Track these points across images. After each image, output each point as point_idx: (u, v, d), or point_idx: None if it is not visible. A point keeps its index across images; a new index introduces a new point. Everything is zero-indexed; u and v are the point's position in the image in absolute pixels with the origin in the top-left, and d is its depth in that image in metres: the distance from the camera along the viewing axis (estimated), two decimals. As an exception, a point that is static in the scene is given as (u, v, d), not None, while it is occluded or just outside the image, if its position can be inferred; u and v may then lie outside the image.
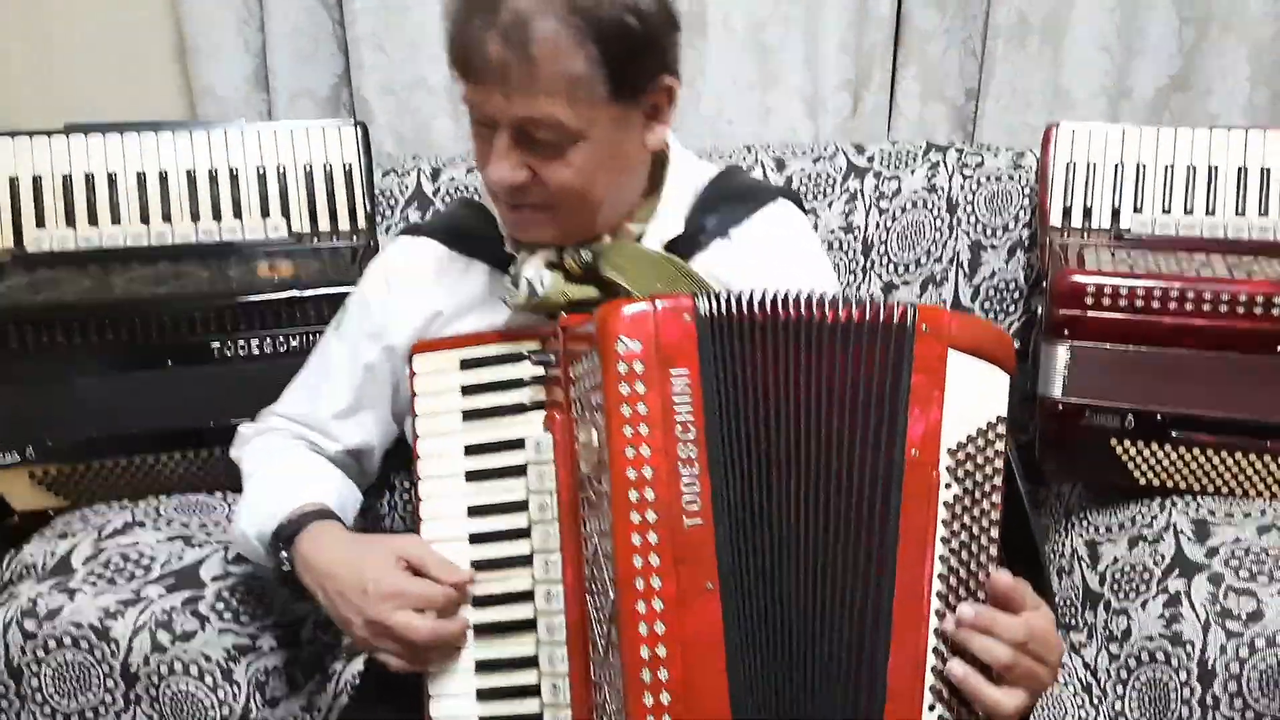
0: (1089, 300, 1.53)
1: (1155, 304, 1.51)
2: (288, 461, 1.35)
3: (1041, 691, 1.02)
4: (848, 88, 2.03)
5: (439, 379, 1.17)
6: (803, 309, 1.01)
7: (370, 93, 2.00)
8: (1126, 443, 1.56)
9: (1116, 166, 1.74)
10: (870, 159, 1.89)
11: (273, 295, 1.56)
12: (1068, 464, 1.63)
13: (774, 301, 1.01)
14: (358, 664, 1.53)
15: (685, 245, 1.25)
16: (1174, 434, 1.55)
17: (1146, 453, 1.56)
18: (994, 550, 1.01)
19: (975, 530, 1.00)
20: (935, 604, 0.99)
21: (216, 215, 1.72)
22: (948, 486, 1.00)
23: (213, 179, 1.73)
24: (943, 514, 0.99)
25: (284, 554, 1.21)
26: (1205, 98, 2.03)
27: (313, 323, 1.56)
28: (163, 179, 1.71)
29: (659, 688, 0.96)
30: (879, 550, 0.99)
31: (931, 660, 0.99)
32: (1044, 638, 1.00)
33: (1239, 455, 1.53)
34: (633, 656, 0.96)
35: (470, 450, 1.15)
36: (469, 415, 1.16)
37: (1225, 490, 1.56)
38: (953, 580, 1.00)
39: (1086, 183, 1.74)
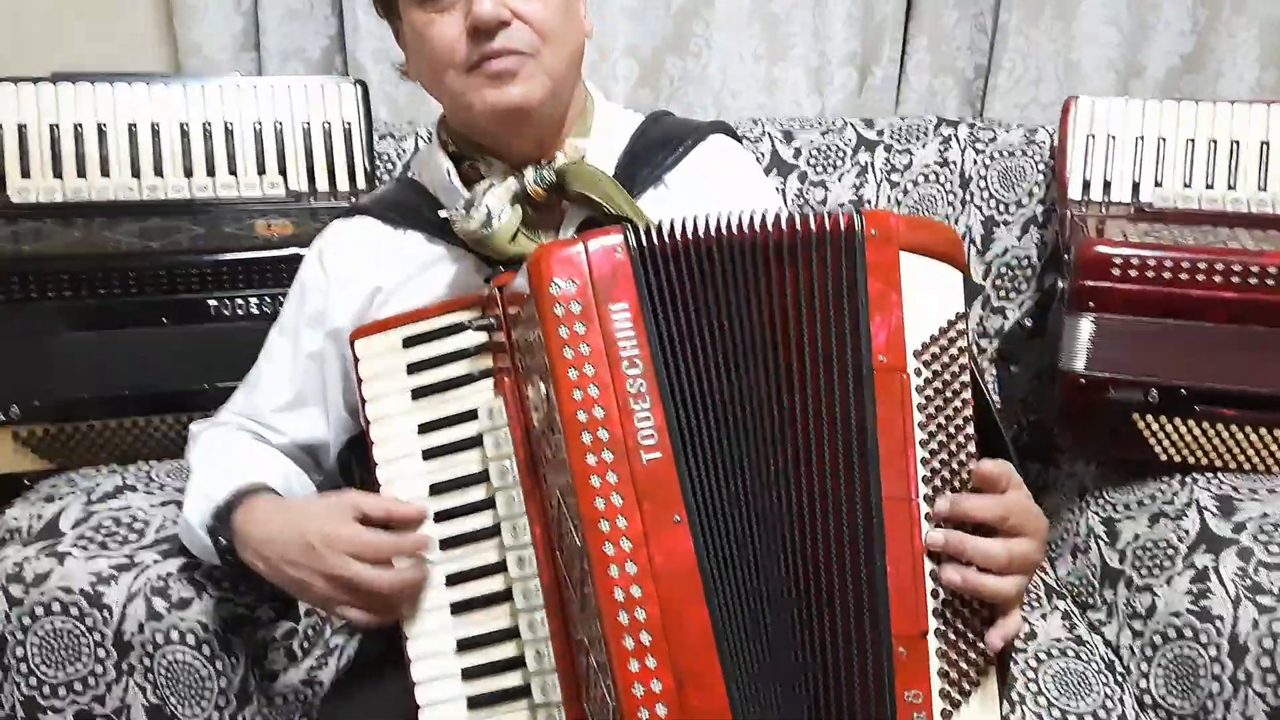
0: (1115, 271, 1.50)
1: (1183, 275, 1.48)
2: (230, 451, 1.28)
3: (1035, 566, 1.01)
4: (853, 62, 1.99)
5: (383, 360, 1.14)
6: (746, 229, 0.99)
7: (365, 56, 1.94)
8: (1149, 418, 1.53)
9: (1137, 140, 1.71)
10: (880, 132, 1.86)
11: (273, 253, 1.50)
12: (1088, 440, 1.60)
13: (711, 226, 0.99)
14: (359, 639, 1.47)
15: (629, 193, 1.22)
16: (1197, 408, 1.51)
17: (1170, 428, 1.53)
18: (972, 445, 0.99)
19: (951, 428, 0.99)
20: (924, 507, 0.96)
21: (210, 171, 1.65)
22: (919, 389, 0.98)
23: (207, 134, 1.66)
24: (918, 416, 0.97)
25: (221, 538, 1.16)
26: (1215, 79, 2.02)
27: (313, 282, 1.50)
28: (155, 132, 1.64)
29: (638, 628, 0.92)
30: (860, 458, 0.96)
31: (929, 565, 0.96)
32: (1021, 509, 0.99)
33: (1263, 431, 1.51)
34: (608, 600, 0.93)
35: (424, 428, 1.12)
36: (418, 393, 1.12)
37: (1247, 466, 1.53)
38: (938, 481, 0.98)
39: (1106, 155, 1.72)
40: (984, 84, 2.02)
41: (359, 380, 1.14)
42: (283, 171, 1.68)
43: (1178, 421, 1.53)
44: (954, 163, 1.83)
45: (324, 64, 1.98)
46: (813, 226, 0.99)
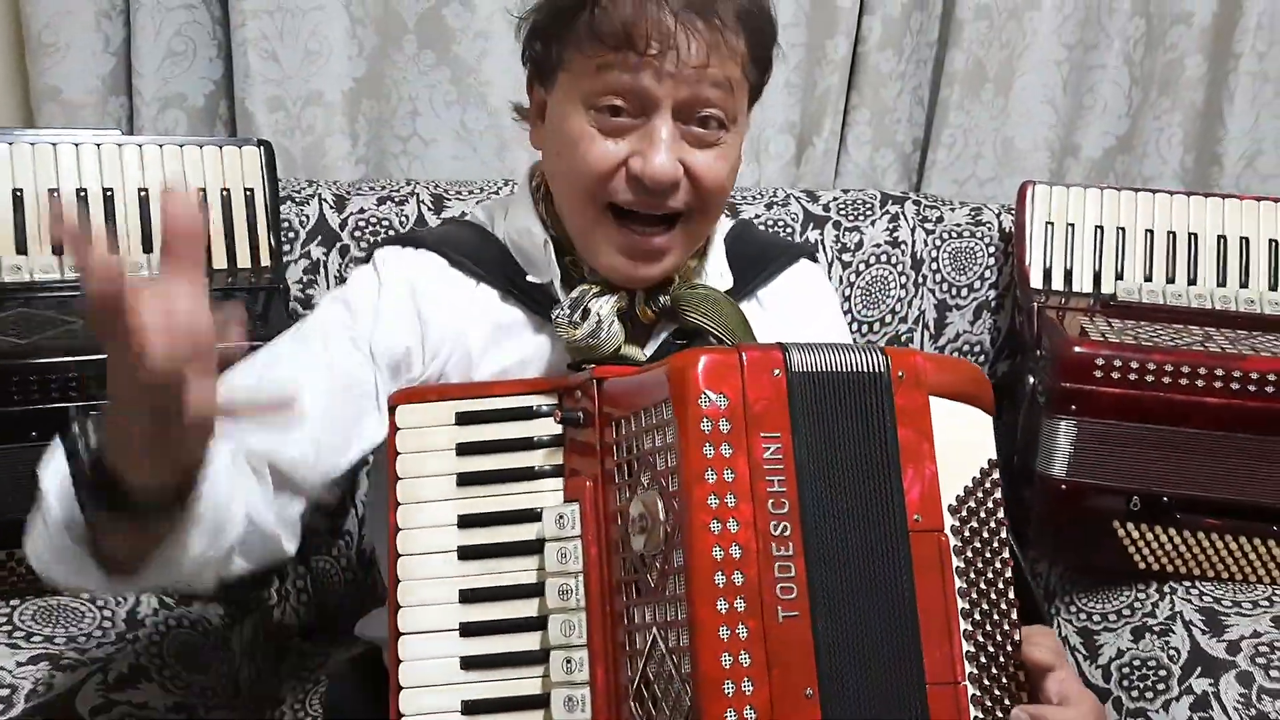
0: (1097, 374, 1.43)
1: (1166, 379, 1.42)
2: None
3: None
4: (791, 130, 1.89)
5: (429, 435, 0.99)
6: (877, 360, 0.90)
7: (255, 105, 1.71)
8: (1130, 525, 1.47)
9: (1096, 229, 1.66)
10: (826, 207, 1.75)
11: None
12: (1064, 545, 1.52)
13: (849, 351, 0.91)
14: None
15: None
16: (1179, 517, 1.46)
17: (1150, 536, 1.47)
18: (1014, 613, 0.92)
19: (993, 594, 0.91)
20: (971, 689, 0.88)
21: (85, 246, 1.40)
22: (957, 551, 0.90)
23: (81, 200, 1.40)
24: (959, 583, 0.89)
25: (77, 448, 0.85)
26: (1141, 160, 2.02)
27: (218, 385, 1.27)
28: (16, 199, 1.38)
29: None
30: (899, 638, 0.87)
31: None
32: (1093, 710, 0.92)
33: (1243, 540, 1.46)
34: None
35: (466, 522, 0.97)
36: (466, 479, 0.98)
37: (1225, 575, 1.48)
38: (983, 658, 0.89)
39: (1066, 244, 1.66)
40: (922, 158, 1.95)
41: (393, 454, 0.99)
42: (172, 247, 1.44)
43: (1159, 530, 1.47)
44: (904, 243, 1.74)
45: (207, 111, 1.75)
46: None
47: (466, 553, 0.97)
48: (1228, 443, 1.43)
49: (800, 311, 1.22)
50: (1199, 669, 1.36)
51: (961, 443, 0.92)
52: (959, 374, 0.95)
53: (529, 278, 1.10)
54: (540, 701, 0.93)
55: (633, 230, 1.04)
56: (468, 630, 0.95)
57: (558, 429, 0.97)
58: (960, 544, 0.90)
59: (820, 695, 0.82)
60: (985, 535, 0.91)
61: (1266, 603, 1.44)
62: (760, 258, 1.21)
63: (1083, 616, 1.53)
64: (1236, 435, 1.43)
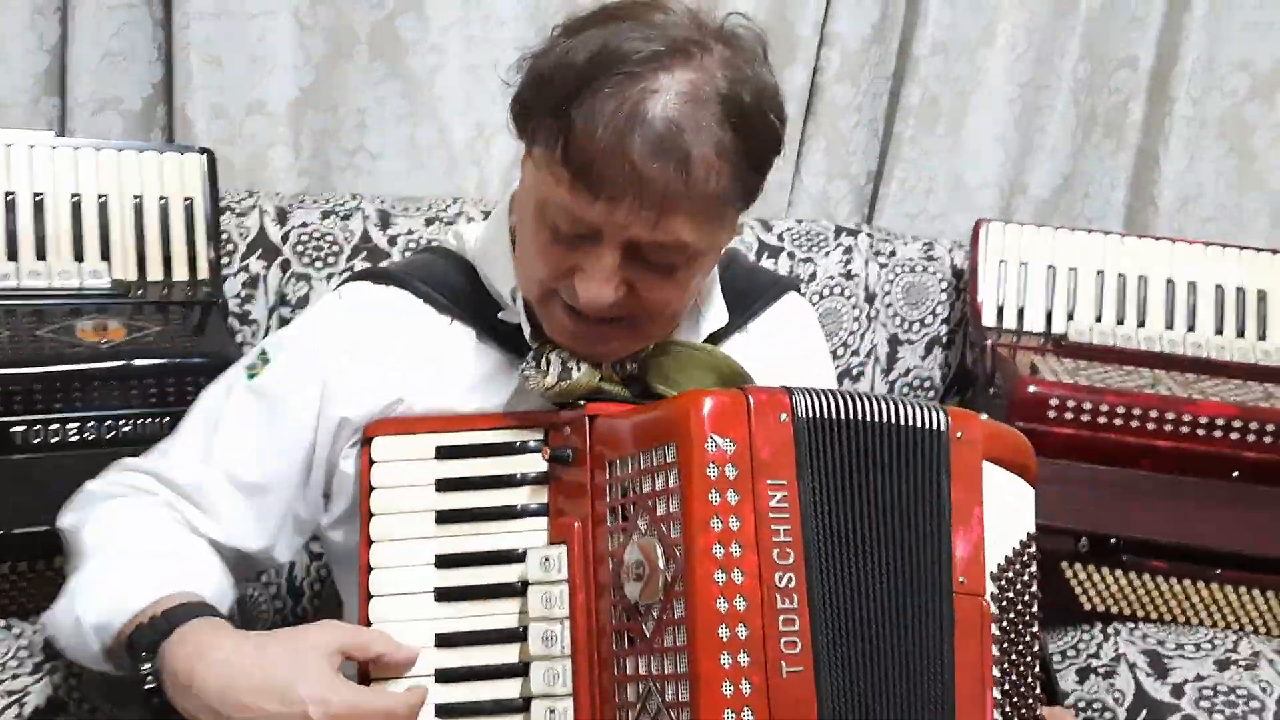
0: (1050, 414, 1.44)
1: (1118, 421, 1.44)
2: (151, 533, 1.00)
3: None
4: (744, 158, 1.88)
5: (406, 469, 0.97)
6: (883, 409, 0.89)
7: (196, 112, 1.66)
8: (1078, 566, 1.48)
9: (1049, 268, 1.68)
10: (780, 237, 1.74)
11: (101, 365, 1.21)
12: (1011, 587, 1.52)
13: (864, 402, 0.89)
14: None
15: (716, 339, 1.10)
16: (1126, 559, 1.48)
17: (1097, 578, 1.48)
18: (1039, 691, 0.93)
19: (1022, 666, 0.91)
20: None
21: (12, 255, 1.34)
22: (995, 619, 0.89)
23: (9, 206, 1.34)
24: (994, 650, 0.89)
25: (146, 666, 0.89)
26: (1083, 199, 2.04)
27: (151, 403, 1.22)
28: (-60, 202, 1.31)
29: None
30: (936, 697, 0.86)
31: None
32: None
33: (1187, 583, 1.48)
34: None
35: (445, 561, 0.95)
36: (445, 517, 0.96)
37: (1169, 618, 1.50)
38: None
39: (1019, 283, 1.67)
40: (875, 190, 1.96)
41: (367, 489, 0.96)
42: (106, 257, 1.38)
43: (1105, 571, 1.49)
44: (858, 275, 1.74)
45: (144, 116, 1.68)
46: (897, 417, 0.89)
47: (444, 594, 0.94)
48: (1176, 486, 1.46)
49: (789, 345, 1.19)
50: (1144, 711, 1.37)
51: (1007, 511, 0.92)
52: (1010, 442, 0.96)
53: (500, 315, 1.06)
54: None
55: (579, 322, 0.97)
56: (444, 676, 0.92)
57: (543, 466, 0.95)
58: (998, 612, 0.89)
59: None
60: (1020, 607, 0.91)
61: (1209, 645, 1.45)
62: (749, 289, 1.18)
63: (1028, 656, 1.54)
64: (1185, 478, 1.46)
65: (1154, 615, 1.50)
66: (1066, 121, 1.96)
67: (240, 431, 1.02)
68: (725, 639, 0.80)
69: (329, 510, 1.06)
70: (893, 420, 0.89)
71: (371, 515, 0.96)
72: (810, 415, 0.86)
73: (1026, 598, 0.93)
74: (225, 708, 0.86)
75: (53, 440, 1.19)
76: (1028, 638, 0.91)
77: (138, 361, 1.22)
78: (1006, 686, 0.90)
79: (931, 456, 0.89)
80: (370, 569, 0.95)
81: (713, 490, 0.82)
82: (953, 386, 1.76)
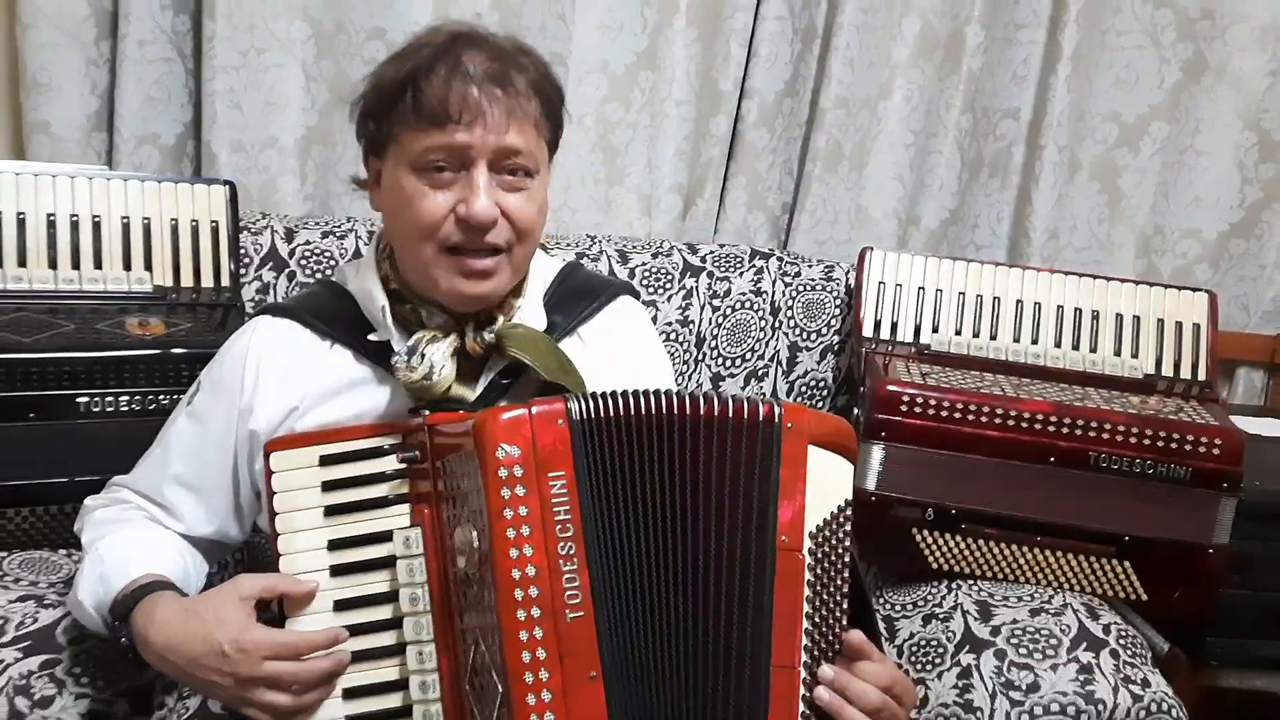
0: (903, 407, 1.76)
1: (957, 415, 1.75)
2: (126, 532, 1.32)
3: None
4: (679, 191, 2.21)
5: (297, 476, 1.19)
6: (678, 408, 1.10)
7: (220, 147, 1.98)
8: (925, 532, 1.79)
9: (919, 290, 2.00)
10: (703, 259, 2.07)
11: (145, 352, 1.54)
12: (874, 549, 1.84)
13: (644, 400, 1.09)
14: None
15: (556, 337, 1.34)
16: (964, 526, 1.78)
17: (941, 542, 1.79)
18: (845, 618, 1.14)
19: (831, 603, 1.13)
20: (803, 674, 1.12)
21: (76, 264, 1.67)
22: (810, 568, 1.12)
23: (73, 227, 1.68)
24: (807, 591, 1.11)
25: (123, 635, 1.19)
26: (973, 230, 2.35)
27: (184, 382, 1.54)
28: (20, 222, 1.65)
29: None
30: (754, 627, 1.09)
31: None
32: (904, 683, 1.16)
33: (1014, 547, 1.78)
34: None
35: (335, 545, 1.17)
36: (332, 510, 1.18)
37: (1001, 576, 1.80)
38: (815, 651, 1.13)
39: (894, 302, 1.99)
40: (789, 220, 2.27)
41: (270, 493, 1.19)
42: (148, 267, 1.71)
43: (948, 537, 1.79)
44: (766, 292, 2.06)
45: (177, 150, 2.01)
46: (733, 412, 1.10)
47: (337, 570, 1.16)
48: (1004, 468, 1.76)
49: (620, 345, 1.39)
50: (967, 646, 1.68)
51: (829, 483, 1.13)
52: (834, 429, 1.16)
53: (370, 336, 1.28)
54: (401, 685, 1.14)
55: (464, 258, 1.22)
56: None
57: (402, 464, 1.16)
58: (813, 563, 1.11)
59: (603, 676, 1.03)
60: (833, 558, 1.13)
61: (1029, 598, 1.75)
62: (583, 294, 1.40)
63: (888, 606, 1.85)
64: (1011, 462, 1.76)
65: (988, 574, 1.80)
66: (952, 164, 2.28)
67: (182, 446, 1.32)
68: (520, 599, 1.02)
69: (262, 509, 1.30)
70: (713, 414, 1.09)
71: (275, 514, 1.18)
72: (585, 417, 1.07)
73: (840, 550, 1.13)
74: (170, 655, 1.14)
75: (108, 410, 1.52)
76: (839, 580, 1.12)
77: (174, 350, 1.55)
78: (816, 619, 1.10)
79: (768, 442, 1.09)
80: (280, 555, 1.17)
81: (504, 487, 1.03)
82: (842, 387, 2.08)
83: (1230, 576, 1.82)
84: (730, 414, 1.10)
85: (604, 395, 1.09)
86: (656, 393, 1.10)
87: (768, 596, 1.09)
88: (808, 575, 1.11)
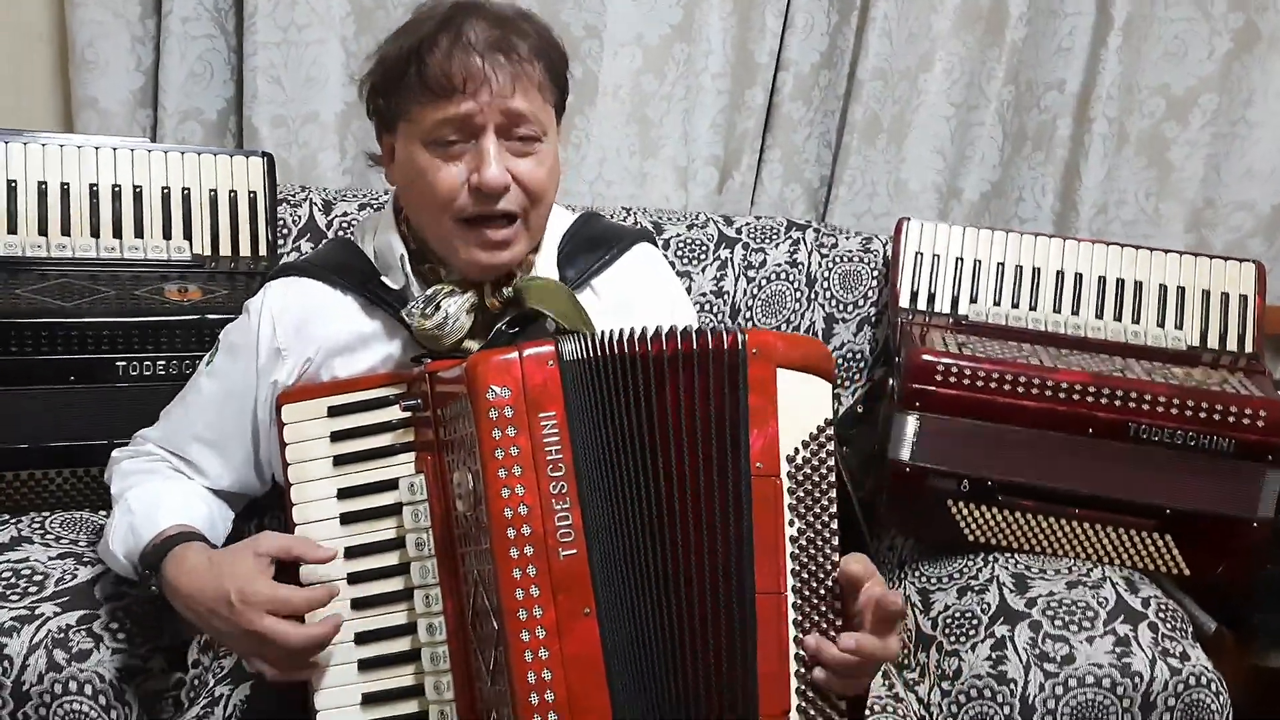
0: (938, 377, 1.74)
1: (992, 385, 1.74)
2: (154, 484, 1.36)
3: (891, 657, 1.14)
4: (715, 163, 2.21)
5: (308, 427, 1.22)
6: (649, 344, 1.10)
7: (261, 122, 2.02)
8: (961, 504, 1.77)
9: (957, 260, 1.98)
10: (739, 230, 2.07)
11: (183, 317, 1.57)
12: (908, 520, 1.84)
13: (622, 339, 1.10)
14: (245, 689, 1.54)
15: (574, 288, 1.35)
16: (1000, 498, 1.77)
17: (977, 514, 1.78)
18: (835, 540, 1.12)
19: (819, 525, 1.11)
20: (792, 597, 1.10)
21: (117, 233, 1.71)
22: (790, 491, 1.10)
23: (115, 196, 1.72)
24: (788, 515, 1.10)
25: (152, 582, 1.24)
26: (1017, 204, 2.32)
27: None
28: (64, 192, 1.69)
29: (547, 708, 1.04)
30: (737, 557, 1.08)
31: (794, 649, 1.10)
32: (886, 607, 1.11)
33: (1051, 520, 1.77)
34: (521, 681, 1.05)
35: (344, 493, 1.20)
36: (340, 460, 1.21)
37: (1038, 549, 1.79)
38: (805, 574, 1.11)
39: (932, 272, 1.97)
40: (827, 193, 2.26)
41: (283, 444, 1.22)
42: (188, 236, 1.75)
43: (984, 508, 1.78)
44: (801, 264, 2.05)
45: (219, 125, 2.05)
46: (695, 344, 1.09)
47: (346, 518, 1.20)
48: (1041, 439, 1.74)
49: (638, 294, 1.40)
50: (1002, 618, 1.66)
51: (803, 406, 1.11)
52: (806, 349, 1.14)
53: (384, 280, 1.31)
54: (410, 629, 1.17)
55: (482, 229, 1.25)
56: (353, 579, 1.19)
57: (407, 413, 1.18)
58: (794, 486, 1.10)
59: (597, 611, 1.05)
60: (816, 479, 1.11)
61: (1066, 570, 1.74)
62: (596, 245, 1.41)
63: (923, 579, 1.84)
64: (1049, 432, 1.74)
65: (1025, 547, 1.78)
66: (994, 137, 2.25)
67: (201, 404, 1.36)
68: (513, 537, 1.04)
69: None
70: (677, 349, 1.08)
71: (287, 464, 1.21)
72: (576, 358, 1.08)
73: (824, 470, 1.10)
74: (191, 604, 1.19)
75: (146, 373, 1.55)
76: (824, 501, 1.10)
77: (210, 316, 1.58)
78: (803, 542, 1.09)
79: (734, 370, 1.08)
80: (293, 504, 1.20)
81: (495, 429, 1.04)
82: (879, 359, 2.06)
83: (1276, 551, 1.78)
84: (695, 346, 1.10)
85: (592, 335, 1.11)
86: (633, 331, 1.11)
87: (746, 524, 1.09)
88: (788, 499, 1.10)
